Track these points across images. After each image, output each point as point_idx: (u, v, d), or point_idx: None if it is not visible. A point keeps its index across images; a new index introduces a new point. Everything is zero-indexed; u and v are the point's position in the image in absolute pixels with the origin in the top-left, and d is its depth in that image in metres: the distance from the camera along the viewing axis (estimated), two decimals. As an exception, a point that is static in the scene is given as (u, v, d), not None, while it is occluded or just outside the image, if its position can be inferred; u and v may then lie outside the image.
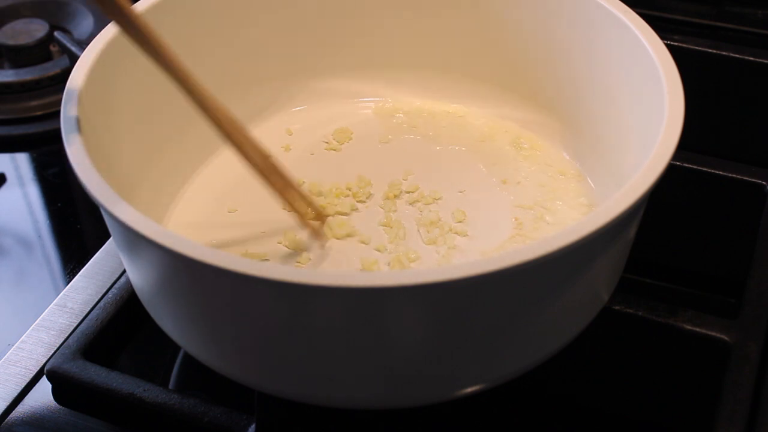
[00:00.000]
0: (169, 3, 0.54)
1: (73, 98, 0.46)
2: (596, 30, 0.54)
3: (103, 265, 0.58)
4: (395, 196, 0.56)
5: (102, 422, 0.50)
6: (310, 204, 0.52)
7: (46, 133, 0.72)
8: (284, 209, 0.53)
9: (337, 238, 0.53)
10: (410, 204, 0.56)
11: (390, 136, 0.61)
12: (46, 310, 0.55)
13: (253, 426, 0.47)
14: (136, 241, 0.42)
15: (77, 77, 0.48)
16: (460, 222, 0.54)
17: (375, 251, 0.52)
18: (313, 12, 0.61)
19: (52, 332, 0.54)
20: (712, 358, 0.49)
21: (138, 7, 0.52)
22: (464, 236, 0.53)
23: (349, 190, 0.57)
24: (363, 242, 0.53)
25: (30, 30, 0.78)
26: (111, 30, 0.51)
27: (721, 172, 0.59)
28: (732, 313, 0.51)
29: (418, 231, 0.54)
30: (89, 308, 0.55)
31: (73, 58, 0.66)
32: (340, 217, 0.55)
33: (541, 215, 0.55)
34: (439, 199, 0.56)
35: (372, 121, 0.62)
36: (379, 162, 0.59)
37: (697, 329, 0.50)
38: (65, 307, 0.55)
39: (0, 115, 0.73)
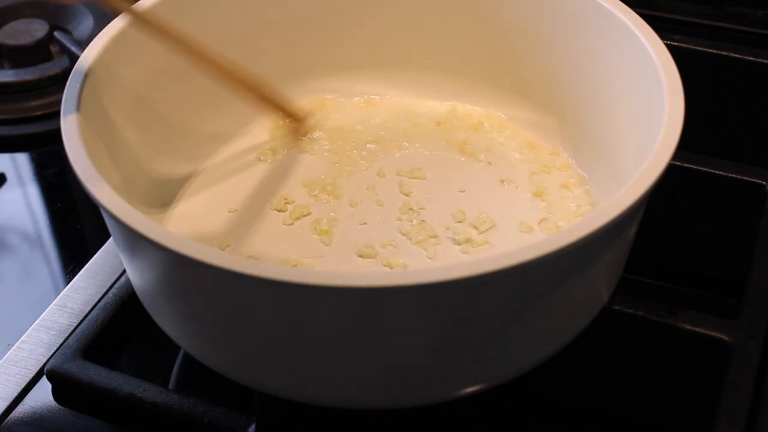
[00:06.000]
0: (167, 4, 0.54)
1: (73, 98, 0.46)
2: (596, 30, 0.54)
3: (103, 265, 0.58)
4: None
5: (102, 422, 0.50)
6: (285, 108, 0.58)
7: (46, 133, 0.72)
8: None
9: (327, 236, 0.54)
10: (411, 203, 0.56)
11: (390, 135, 0.61)
12: (46, 310, 0.55)
13: (253, 426, 0.47)
14: (136, 241, 0.42)
15: (77, 77, 0.48)
16: (460, 222, 0.54)
17: (380, 248, 0.53)
18: (314, 12, 0.61)
19: (52, 332, 0.54)
20: (712, 358, 0.49)
21: (136, 9, 0.52)
22: (465, 236, 0.53)
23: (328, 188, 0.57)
24: (368, 245, 0.53)
25: (30, 30, 0.78)
26: (111, 30, 0.51)
27: (721, 172, 0.59)
28: (732, 313, 0.51)
29: (415, 231, 0.54)
30: (89, 308, 0.55)
31: (73, 58, 0.67)
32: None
33: (540, 215, 0.55)
34: (438, 199, 0.56)
35: (372, 120, 0.62)
36: (380, 161, 0.59)
37: (697, 329, 0.50)
38: (65, 307, 0.55)
39: (0, 115, 0.73)
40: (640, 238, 0.48)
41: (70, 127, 0.45)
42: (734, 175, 0.59)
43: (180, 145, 0.57)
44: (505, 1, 0.58)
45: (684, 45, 0.68)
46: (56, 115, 0.46)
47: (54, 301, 0.56)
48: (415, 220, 0.55)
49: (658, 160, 0.42)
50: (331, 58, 0.63)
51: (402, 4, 0.61)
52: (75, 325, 0.54)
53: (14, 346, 0.53)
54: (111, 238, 0.59)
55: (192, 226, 0.55)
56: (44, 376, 0.51)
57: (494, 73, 0.62)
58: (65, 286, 0.57)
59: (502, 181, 0.57)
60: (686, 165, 0.59)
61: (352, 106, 0.63)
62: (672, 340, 0.50)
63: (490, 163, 0.59)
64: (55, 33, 0.73)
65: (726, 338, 0.49)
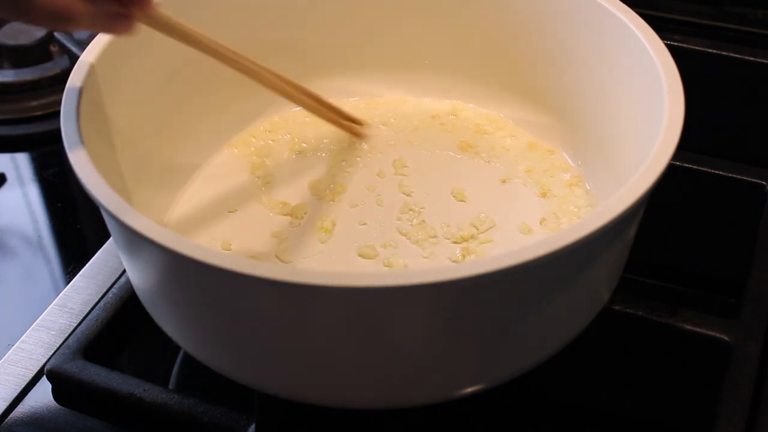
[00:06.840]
0: (168, 6, 0.54)
1: (73, 98, 0.46)
2: (596, 30, 0.54)
3: (103, 265, 0.58)
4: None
5: (102, 422, 0.50)
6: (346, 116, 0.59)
7: (46, 133, 0.72)
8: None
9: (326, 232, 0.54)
10: (411, 203, 0.56)
11: (391, 135, 0.61)
12: (46, 310, 0.55)
13: (253, 426, 0.47)
14: (136, 241, 0.42)
15: (77, 77, 0.48)
16: (460, 222, 0.54)
17: (381, 248, 0.53)
18: (314, 12, 0.61)
19: (52, 332, 0.54)
20: (712, 358, 0.49)
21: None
22: (465, 236, 0.53)
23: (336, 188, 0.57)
24: (368, 247, 0.53)
25: (30, 30, 0.78)
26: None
27: (721, 172, 0.59)
28: (732, 313, 0.51)
29: (417, 230, 0.54)
30: (89, 308, 0.55)
31: (73, 58, 0.66)
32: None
33: (541, 215, 0.55)
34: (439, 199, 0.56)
35: (372, 120, 0.62)
36: (380, 161, 0.59)
37: (697, 329, 0.50)
38: (65, 307, 0.55)
39: (0, 115, 0.73)
40: (640, 238, 0.48)
41: (70, 127, 0.45)
42: (734, 175, 0.59)
43: (181, 144, 0.57)
44: (506, 1, 0.58)
45: (684, 45, 0.68)
46: (56, 115, 0.46)
47: (54, 301, 0.56)
48: (415, 220, 0.55)
49: (658, 160, 0.42)
50: (331, 59, 0.63)
51: (402, 5, 0.61)
52: (75, 325, 0.54)
53: (14, 346, 0.53)
54: (111, 238, 0.59)
55: (192, 226, 0.55)
56: (44, 376, 0.51)
57: (494, 73, 0.62)
58: (65, 286, 0.57)
59: (503, 181, 0.57)
60: (686, 165, 0.59)
61: (352, 106, 0.63)
62: (672, 340, 0.50)
63: (490, 162, 0.59)
64: (55, 33, 0.73)
65: (726, 338, 0.49)
